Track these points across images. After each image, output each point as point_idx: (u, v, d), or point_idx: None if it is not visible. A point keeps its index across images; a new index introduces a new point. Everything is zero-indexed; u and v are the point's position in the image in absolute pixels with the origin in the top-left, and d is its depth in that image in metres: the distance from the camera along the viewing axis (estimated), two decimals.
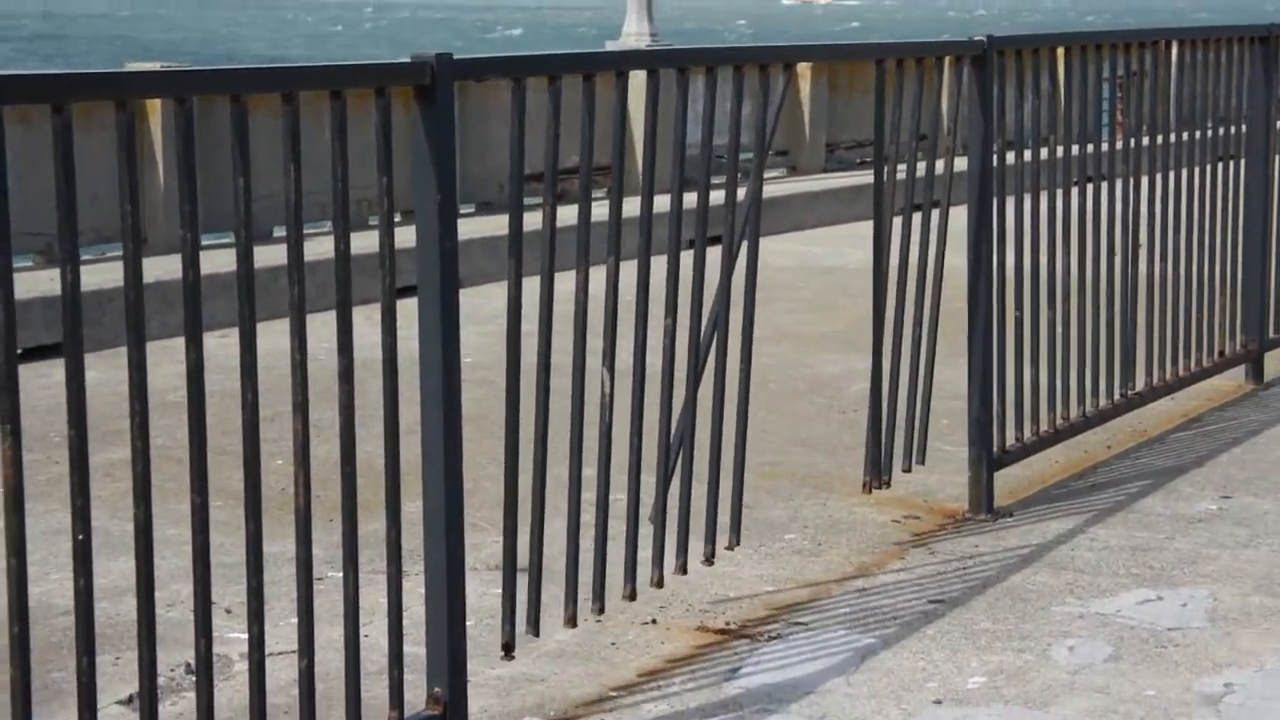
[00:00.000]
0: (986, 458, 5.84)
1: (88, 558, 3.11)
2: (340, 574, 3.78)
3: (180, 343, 3.41)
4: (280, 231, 10.52)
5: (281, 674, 4.33)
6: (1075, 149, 6.31)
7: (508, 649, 4.21)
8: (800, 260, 11.66)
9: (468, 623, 4.04)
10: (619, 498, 4.75)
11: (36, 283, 8.75)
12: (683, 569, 4.80)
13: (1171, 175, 6.94)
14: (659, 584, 4.74)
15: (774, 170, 14.83)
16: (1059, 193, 6.21)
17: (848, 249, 12.05)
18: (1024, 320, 6.05)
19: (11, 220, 2.96)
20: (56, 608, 4.87)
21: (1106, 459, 6.55)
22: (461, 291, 3.92)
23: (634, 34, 16.80)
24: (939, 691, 4.34)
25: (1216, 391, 7.54)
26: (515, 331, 4.07)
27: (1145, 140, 6.75)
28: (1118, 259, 6.58)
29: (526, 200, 4.16)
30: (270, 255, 8.75)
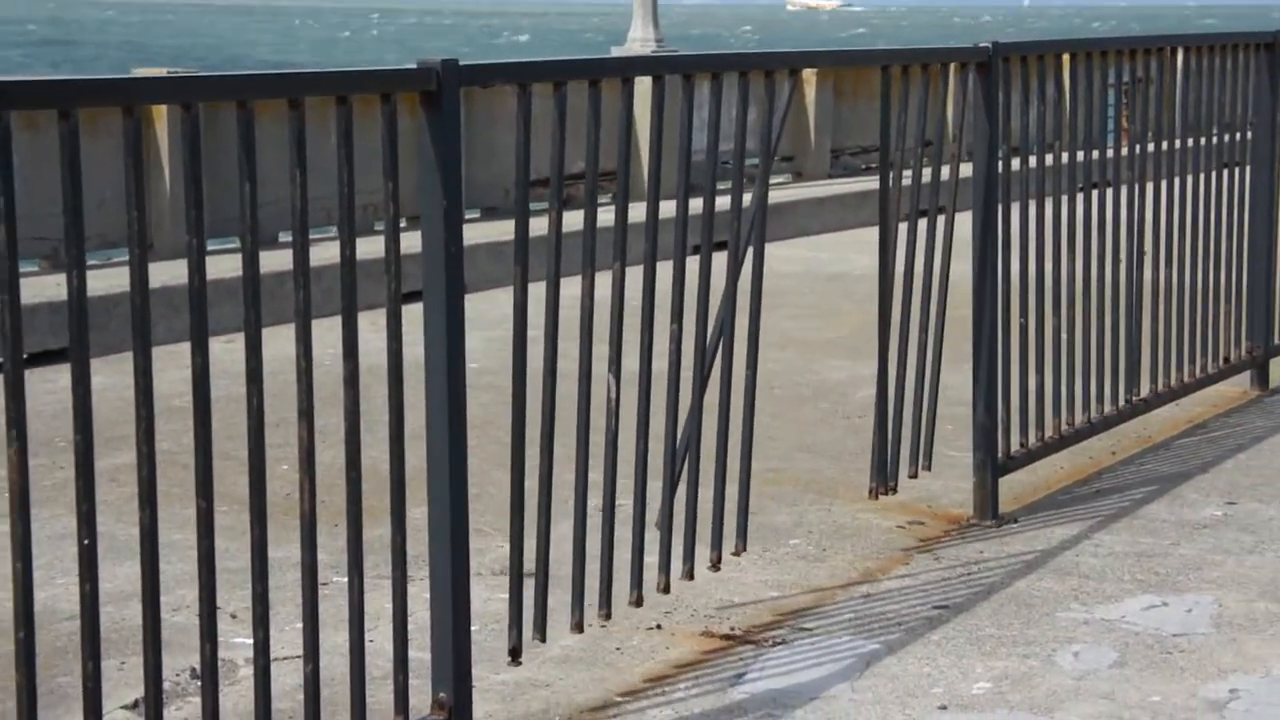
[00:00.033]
0: (991, 463, 5.84)
1: (93, 563, 3.12)
2: (345, 579, 3.79)
3: (186, 348, 3.42)
4: (286, 237, 10.55)
5: (286, 679, 4.34)
6: (1080, 155, 6.32)
7: (515, 654, 4.21)
8: (805, 266, 11.66)
9: (472, 628, 4.05)
10: (623, 503, 4.75)
11: (42, 288, 8.76)
12: (689, 574, 4.80)
13: (1177, 181, 6.94)
14: (666, 589, 4.74)
15: (779, 176, 14.83)
16: (1064, 199, 6.21)
17: (853, 255, 12.05)
18: (1029, 326, 6.05)
19: (18, 225, 2.97)
20: (62, 612, 4.87)
21: (1111, 465, 6.55)
22: (467, 297, 3.92)
23: (639, 40, 16.81)
24: (944, 697, 4.34)
25: (1222, 397, 7.54)
26: (521, 337, 4.07)
27: (1151, 146, 6.75)
28: (1123, 265, 6.58)
29: (531, 206, 4.15)
30: (276, 260, 8.76)
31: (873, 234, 5.90)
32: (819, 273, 11.41)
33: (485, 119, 12.32)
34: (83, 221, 3.07)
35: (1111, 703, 4.31)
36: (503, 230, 11.07)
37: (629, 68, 4.45)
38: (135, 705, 4.30)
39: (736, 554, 5.04)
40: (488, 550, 5.45)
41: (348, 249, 3.64)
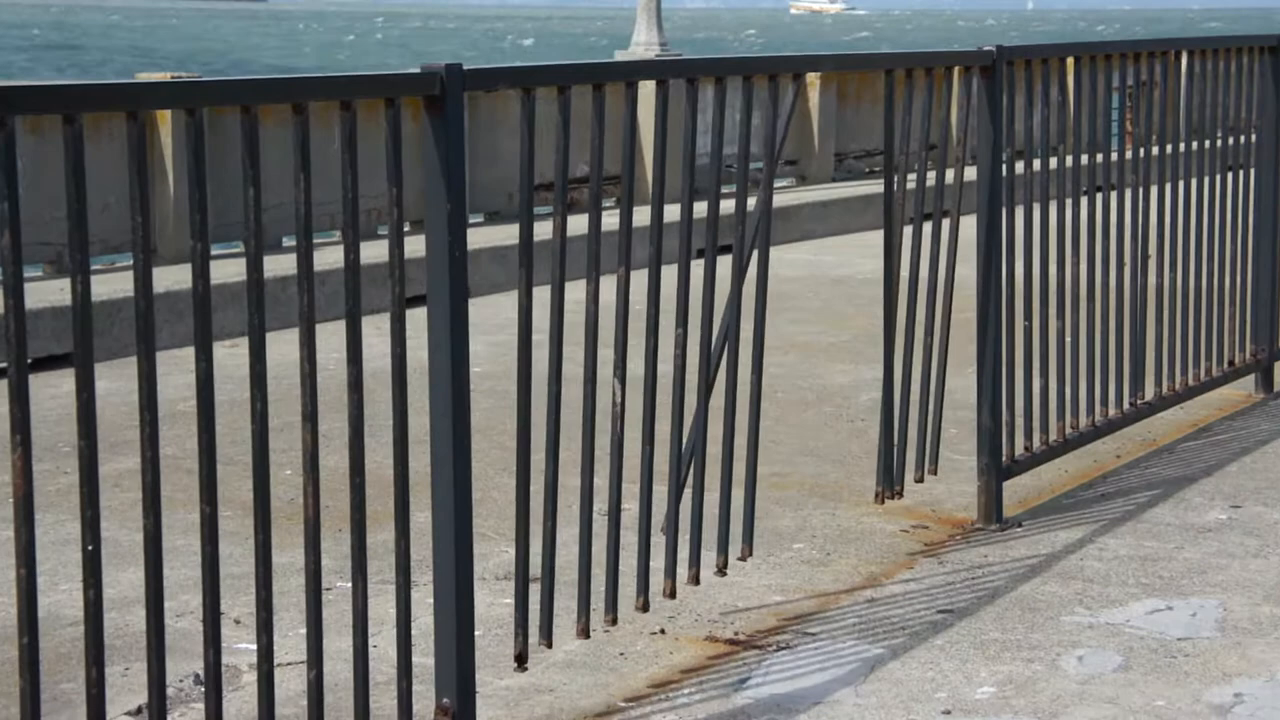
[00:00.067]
0: (995, 467, 5.84)
1: (97, 568, 3.12)
2: (349, 584, 3.78)
3: (189, 352, 3.42)
4: (290, 241, 10.55)
5: (290, 685, 4.34)
6: (1085, 158, 6.31)
7: (521, 660, 4.21)
8: (809, 270, 11.66)
9: (476, 633, 4.04)
10: (628, 507, 4.75)
11: (46, 293, 8.76)
12: (695, 579, 4.79)
13: (1181, 185, 6.93)
14: (672, 594, 4.74)
15: (783, 180, 14.83)
16: (1068, 202, 6.21)
17: (857, 258, 12.05)
18: (1033, 329, 6.04)
19: (22, 230, 2.97)
20: (65, 618, 4.87)
21: (1116, 468, 6.55)
22: (470, 301, 3.92)
23: (643, 44, 16.80)
24: (948, 702, 4.33)
25: (1226, 401, 7.53)
26: (526, 341, 4.07)
27: (1155, 150, 6.75)
28: (1127, 268, 6.58)
29: (534, 210, 4.15)
30: (280, 265, 8.77)
31: (877, 237, 5.90)
32: (823, 276, 11.41)
33: (488, 123, 12.32)
34: (86, 227, 3.07)
35: (1116, 707, 4.30)
36: (506, 234, 11.08)
37: (632, 72, 4.45)
38: (139, 711, 4.30)
39: (743, 559, 5.04)
40: (491, 555, 5.44)
41: (352, 253, 3.64)
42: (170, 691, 4.34)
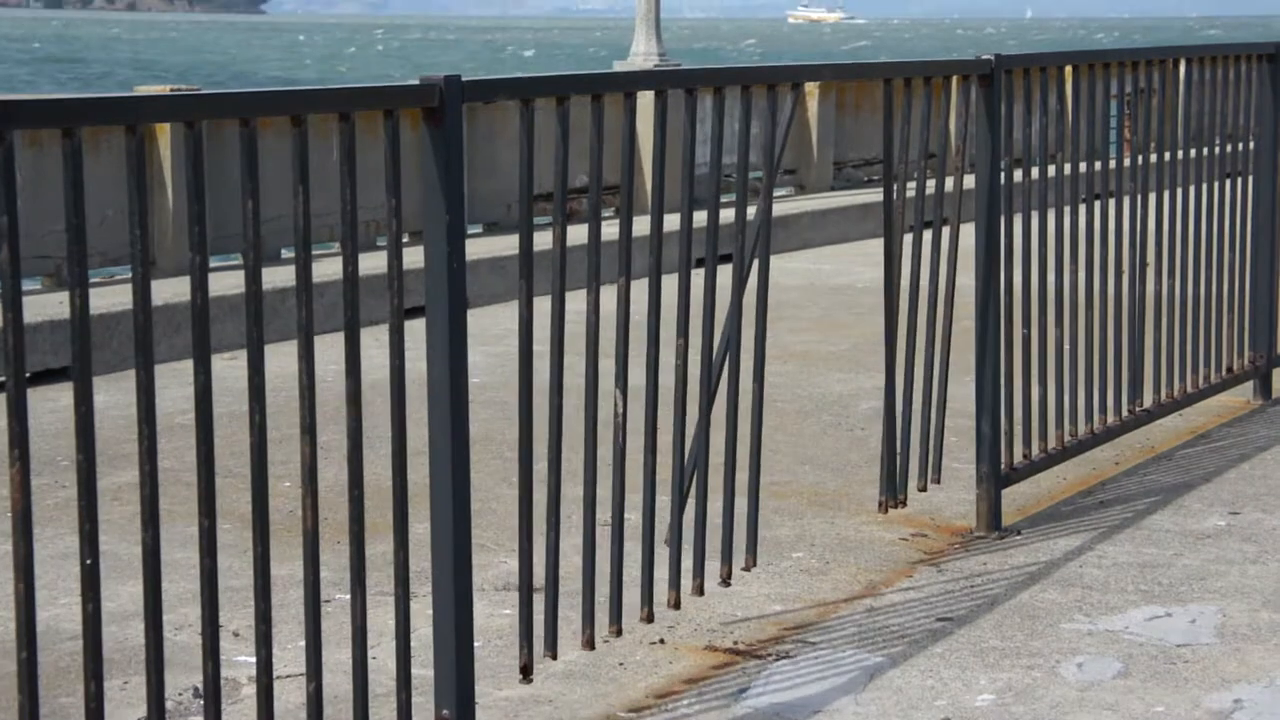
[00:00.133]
0: (994, 475, 5.84)
1: (95, 582, 3.12)
2: (348, 596, 3.79)
3: (188, 365, 3.43)
4: (289, 253, 10.55)
5: (289, 697, 4.34)
6: (1083, 166, 6.32)
7: (526, 672, 4.21)
8: (808, 279, 11.66)
9: (475, 644, 4.05)
10: (629, 517, 4.75)
11: (45, 306, 8.76)
12: (700, 590, 4.79)
13: (1179, 192, 6.94)
14: (676, 605, 4.75)
15: (782, 189, 14.84)
16: (1067, 210, 6.21)
17: (856, 267, 12.05)
18: (1032, 337, 6.05)
19: (20, 243, 2.97)
20: (64, 632, 4.87)
21: (1115, 475, 6.55)
22: (469, 312, 3.93)
23: (642, 54, 16.80)
24: (948, 709, 4.34)
25: (1225, 407, 7.54)
26: (527, 351, 4.07)
27: (1153, 157, 6.75)
28: (1125, 275, 6.59)
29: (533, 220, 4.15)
30: (278, 277, 8.78)
31: (875, 246, 5.90)
32: (822, 285, 11.41)
33: (487, 134, 12.33)
34: (85, 240, 3.08)
35: (1115, 714, 4.30)
36: (504, 245, 11.08)
37: (631, 82, 4.46)
38: None
39: (747, 569, 5.04)
40: (490, 566, 5.44)
41: (350, 265, 3.65)
42: (169, 705, 4.34)
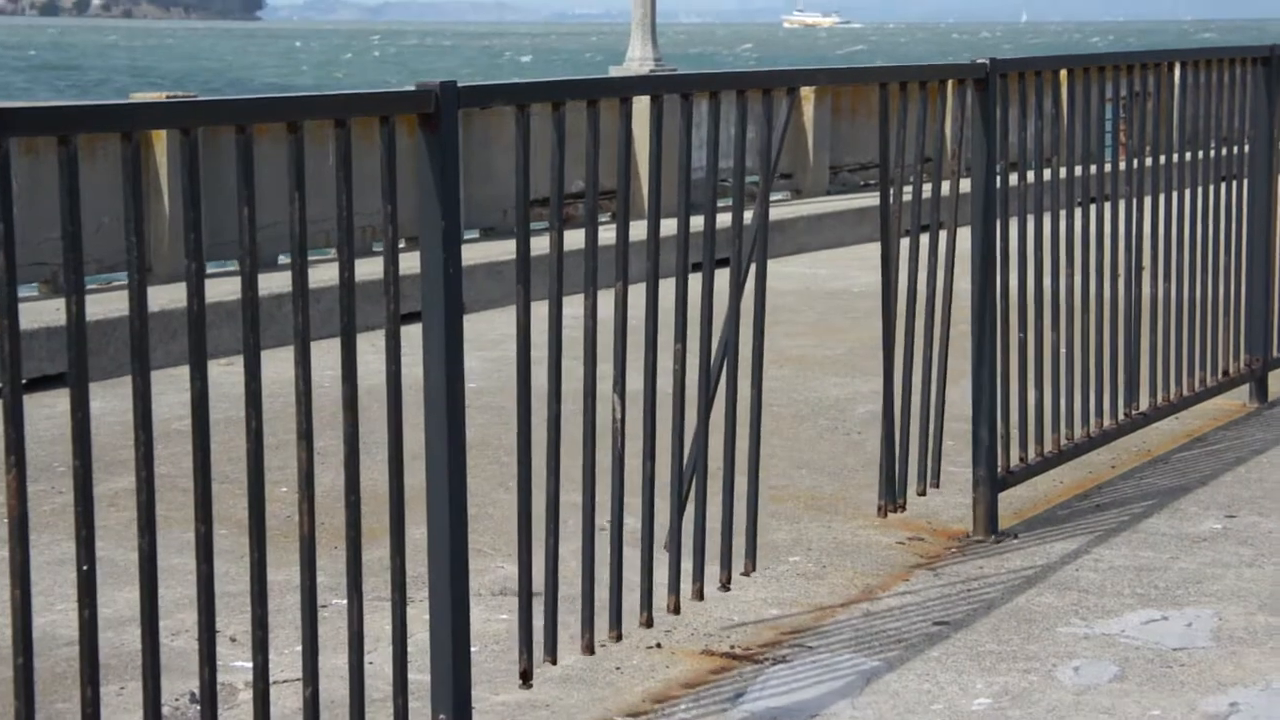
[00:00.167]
0: (991, 479, 5.84)
1: (92, 588, 3.12)
2: (344, 601, 3.79)
3: (184, 371, 3.43)
4: (285, 259, 10.55)
5: (286, 702, 4.34)
6: (1079, 170, 6.33)
7: (525, 677, 4.21)
8: (804, 283, 11.67)
9: (472, 649, 4.05)
10: (628, 521, 4.75)
11: (41, 313, 8.76)
12: (699, 594, 4.80)
13: (1175, 195, 6.95)
14: (676, 610, 4.75)
15: (778, 193, 14.85)
16: (1063, 214, 6.22)
17: (852, 272, 12.06)
18: (1028, 340, 6.05)
19: (16, 250, 2.97)
20: (61, 638, 4.87)
21: (1111, 479, 6.55)
22: (465, 317, 3.93)
23: (638, 59, 16.81)
24: (944, 713, 4.34)
25: (1221, 411, 7.54)
26: (525, 356, 4.08)
27: (1148, 161, 6.76)
28: (1121, 279, 6.59)
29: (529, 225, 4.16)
30: (275, 283, 8.78)
31: (870, 250, 5.91)
32: (818, 290, 11.41)
33: (483, 139, 12.34)
34: (81, 248, 3.08)
35: (1111, 717, 4.30)
36: (501, 250, 11.09)
37: (626, 88, 4.46)
38: None
39: (746, 574, 5.04)
40: (487, 571, 5.45)
41: (346, 271, 3.65)
42: (166, 710, 4.34)
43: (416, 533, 4.74)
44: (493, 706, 4.39)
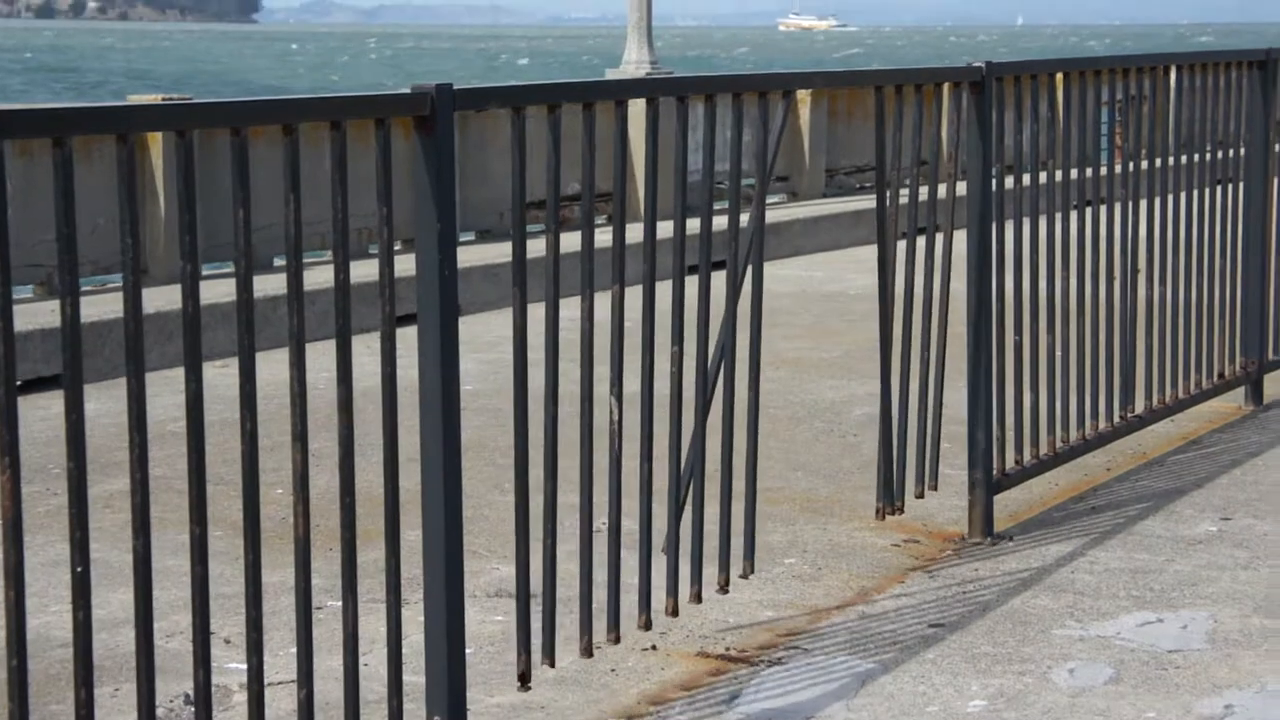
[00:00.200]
0: (986, 481, 5.84)
1: (86, 590, 3.12)
2: (339, 603, 3.79)
3: (179, 373, 3.42)
4: (280, 261, 10.55)
5: (281, 704, 4.33)
6: (1075, 173, 6.33)
7: (524, 679, 4.21)
8: (800, 286, 11.67)
9: (467, 651, 4.04)
10: (625, 523, 4.75)
11: (36, 314, 8.76)
12: (697, 597, 4.79)
13: (1170, 198, 6.95)
14: (674, 612, 4.75)
15: (774, 196, 14.85)
16: (1058, 216, 6.22)
17: (848, 274, 12.06)
18: (1024, 343, 6.05)
19: (11, 252, 2.97)
20: (55, 640, 4.87)
21: (1106, 481, 6.56)
22: (461, 319, 3.93)
23: (634, 62, 16.81)
24: (939, 715, 4.34)
25: (1216, 413, 7.55)
26: (522, 358, 4.08)
27: (1144, 164, 6.77)
28: (1117, 282, 6.59)
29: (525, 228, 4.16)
30: (270, 285, 8.77)
31: (867, 253, 5.91)
32: (814, 292, 11.42)
33: (479, 142, 12.34)
34: (76, 250, 3.08)
35: (1107, 719, 4.31)
36: (496, 253, 11.09)
37: (622, 90, 4.46)
38: None
39: (744, 576, 5.04)
40: (482, 572, 5.45)
41: (342, 273, 3.65)
42: (160, 712, 4.34)
43: (412, 534, 4.73)
44: (487, 708, 4.39)
